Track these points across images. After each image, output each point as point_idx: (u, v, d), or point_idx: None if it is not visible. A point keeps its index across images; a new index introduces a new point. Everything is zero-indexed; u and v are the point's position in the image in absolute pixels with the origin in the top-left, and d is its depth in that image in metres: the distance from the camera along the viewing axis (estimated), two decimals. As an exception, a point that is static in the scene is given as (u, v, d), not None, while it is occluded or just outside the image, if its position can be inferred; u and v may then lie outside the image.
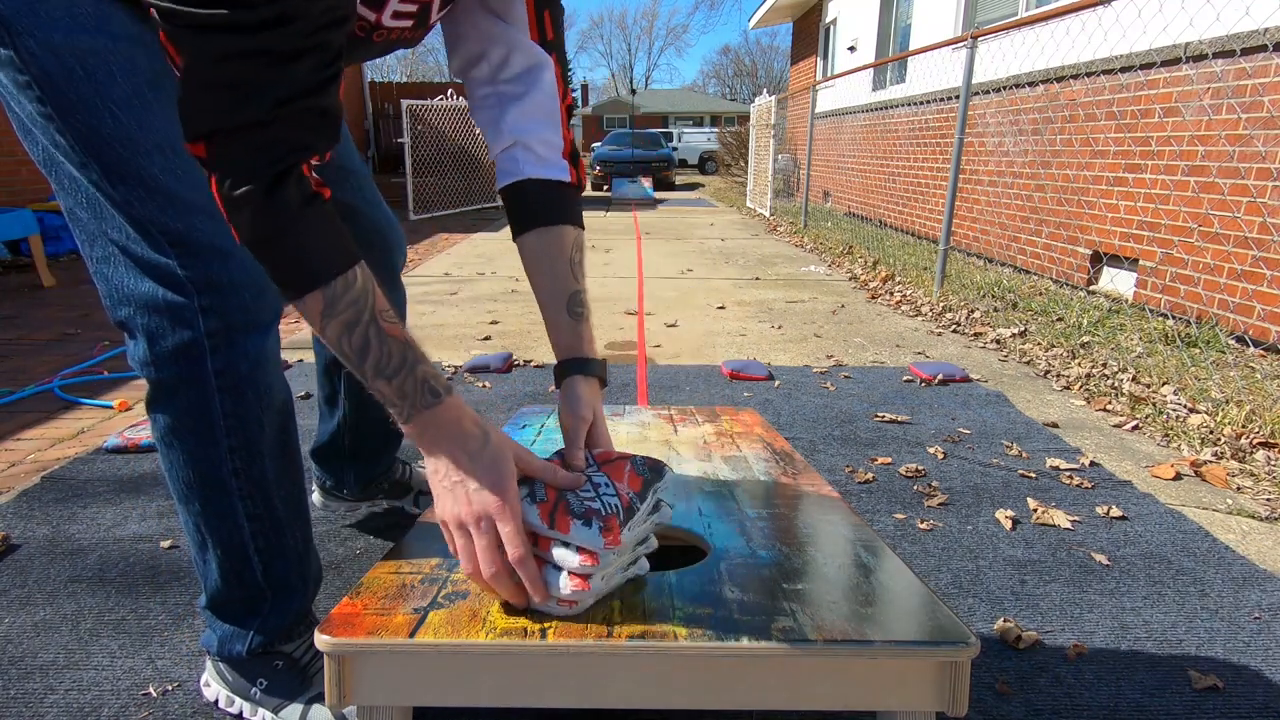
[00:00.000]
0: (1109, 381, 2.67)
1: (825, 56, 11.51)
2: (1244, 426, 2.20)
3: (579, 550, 0.76)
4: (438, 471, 0.77)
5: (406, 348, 0.75)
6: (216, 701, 1.05)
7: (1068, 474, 1.93)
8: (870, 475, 1.91)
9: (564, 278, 0.94)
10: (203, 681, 1.07)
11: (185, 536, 0.99)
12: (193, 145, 0.66)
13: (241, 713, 1.03)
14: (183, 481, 0.91)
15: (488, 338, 3.36)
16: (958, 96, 4.02)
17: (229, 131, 0.65)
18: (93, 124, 0.75)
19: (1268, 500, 1.80)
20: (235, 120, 0.64)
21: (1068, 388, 2.68)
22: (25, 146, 0.81)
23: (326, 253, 0.71)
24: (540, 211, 0.95)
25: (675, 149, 24.40)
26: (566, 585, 0.76)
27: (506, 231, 7.38)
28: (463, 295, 4.36)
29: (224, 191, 0.66)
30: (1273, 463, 1.99)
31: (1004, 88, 5.20)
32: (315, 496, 1.59)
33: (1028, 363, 3.00)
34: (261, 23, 0.62)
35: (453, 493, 0.76)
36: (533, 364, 2.93)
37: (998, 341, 3.30)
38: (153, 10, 0.61)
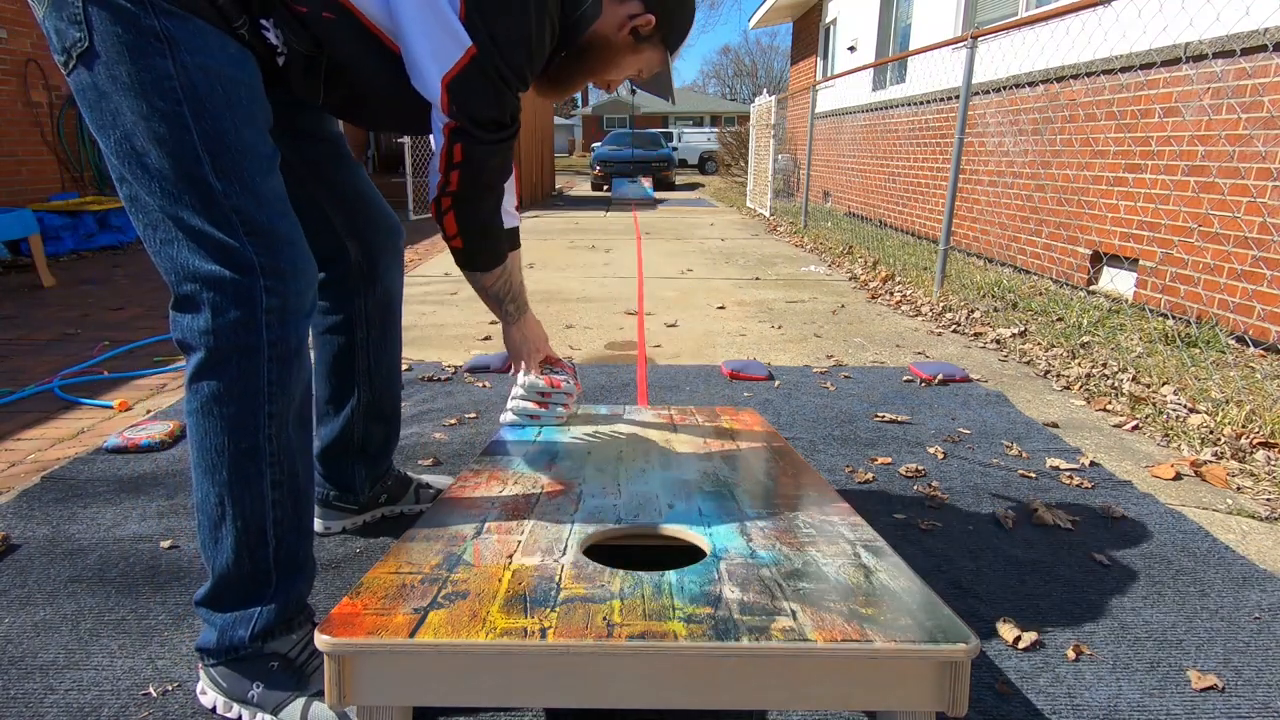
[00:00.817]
0: (1109, 381, 2.67)
1: (825, 56, 11.51)
2: (1244, 426, 2.20)
3: (565, 394, 1.63)
4: (526, 339, 1.48)
5: (520, 282, 1.42)
6: (215, 708, 1.05)
7: (1068, 474, 1.93)
8: (870, 475, 1.91)
9: (521, 278, 1.46)
10: (199, 690, 1.07)
11: (199, 517, 1.02)
12: (455, 187, 1.13)
13: (240, 717, 1.03)
14: (214, 449, 0.99)
15: (488, 338, 3.36)
16: (958, 96, 4.03)
17: (493, 186, 1.17)
18: (220, 129, 0.95)
19: (1268, 500, 1.80)
20: (500, 181, 1.18)
21: (1068, 388, 2.68)
22: (101, 138, 0.95)
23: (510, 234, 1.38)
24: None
25: (675, 149, 24.39)
26: (563, 410, 1.64)
27: (506, 231, 7.33)
28: (463, 295, 4.35)
29: (479, 218, 1.20)
30: (1273, 463, 1.99)
31: (1004, 88, 5.20)
32: (316, 522, 1.56)
33: (1028, 363, 3.00)
34: (514, 133, 1.14)
35: (536, 344, 1.51)
36: (533, 364, 2.93)
37: (998, 341, 3.30)
38: (451, 125, 1.07)
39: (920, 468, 1.96)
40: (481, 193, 1.15)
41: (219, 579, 1.02)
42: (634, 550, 1.27)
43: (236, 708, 1.03)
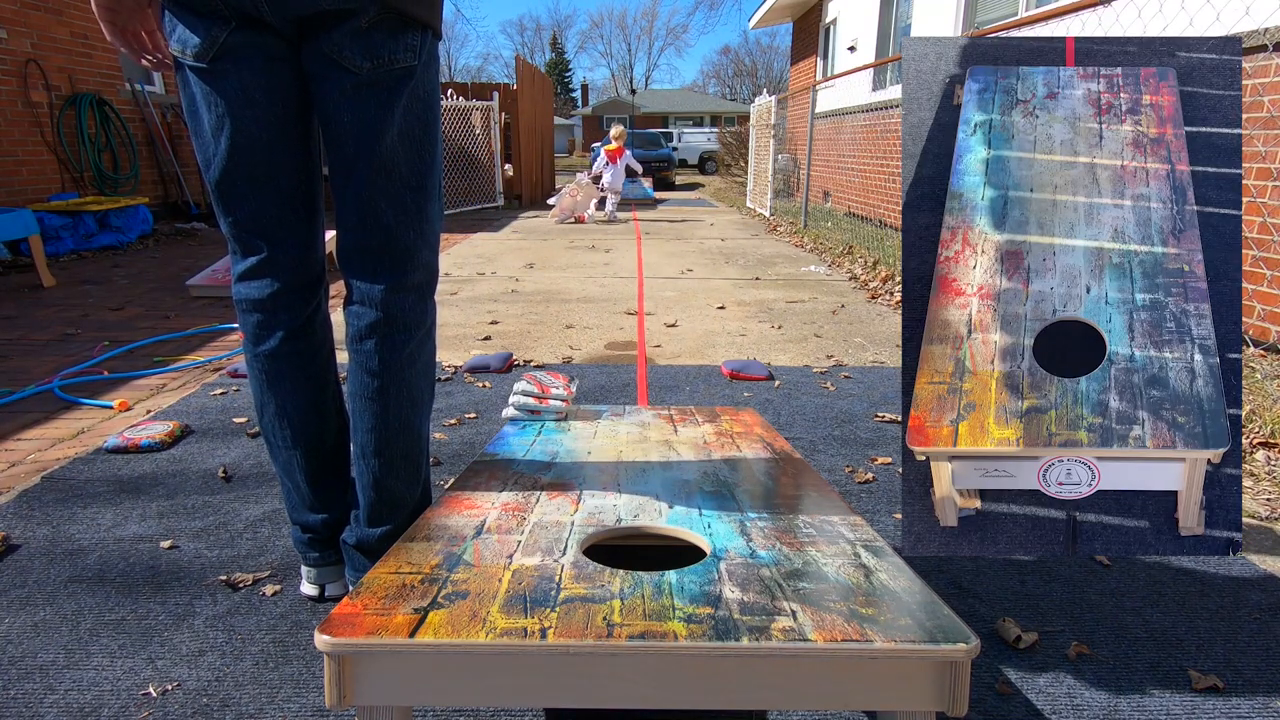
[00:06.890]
0: (1109, 381, 2.67)
1: (825, 56, 11.51)
2: (1244, 426, 2.20)
3: (560, 400, 1.71)
4: None
5: None
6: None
7: (1068, 474, 1.93)
8: (870, 475, 1.91)
9: None
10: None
11: (408, 460, 1.21)
12: None
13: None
14: (430, 384, 1.25)
15: (488, 338, 3.36)
16: (958, 96, 4.01)
17: None
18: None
19: (1268, 500, 1.80)
20: None
21: (1068, 388, 2.68)
22: (410, 148, 1.14)
23: None
24: None
25: (675, 149, 24.36)
26: (561, 405, 1.72)
27: (506, 232, 7.25)
28: (462, 295, 4.36)
29: None
30: (1273, 463, 1.99)
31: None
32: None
33: (1028, 363, 3.00)
34: None
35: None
36: (533, 364, 2.93)
37: (998, 341, 3.30)
38: None
39: (920, 468, 1.96)
40: None
41: (426, 495, 1.28)
42: (634, 550, 1.27)
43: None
